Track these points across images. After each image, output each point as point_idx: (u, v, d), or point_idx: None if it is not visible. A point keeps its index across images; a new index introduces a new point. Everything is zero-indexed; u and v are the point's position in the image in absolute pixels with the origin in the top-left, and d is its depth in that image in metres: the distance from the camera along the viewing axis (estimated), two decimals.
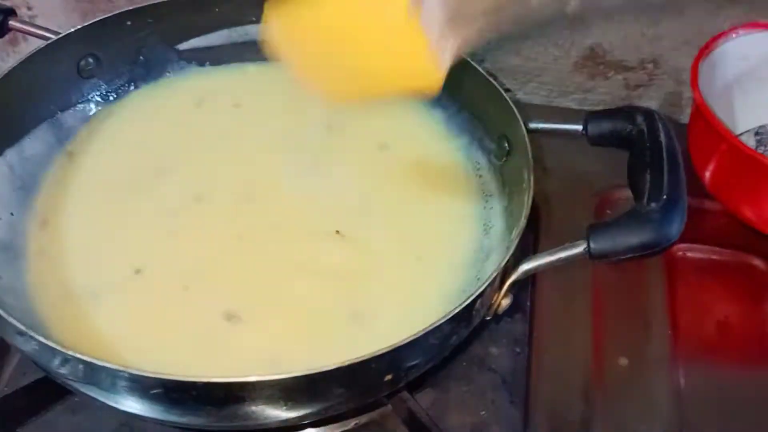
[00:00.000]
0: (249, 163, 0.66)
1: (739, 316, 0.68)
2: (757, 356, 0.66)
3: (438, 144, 0.69)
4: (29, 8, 0.93)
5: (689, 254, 0.72)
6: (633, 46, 0.80)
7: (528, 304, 0.65)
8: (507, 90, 0.87)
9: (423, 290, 0.58)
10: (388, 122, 0.70)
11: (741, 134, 0.77)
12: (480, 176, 0.67)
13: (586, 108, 0.87)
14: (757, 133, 0.78)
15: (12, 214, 0.61)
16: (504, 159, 0.64)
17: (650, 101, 0.85)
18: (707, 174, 0.72)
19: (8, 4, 0.89)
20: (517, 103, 0.71)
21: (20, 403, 0.58)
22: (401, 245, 0.61)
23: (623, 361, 0.64)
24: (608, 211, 0.74)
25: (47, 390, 0.57)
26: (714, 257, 0.72)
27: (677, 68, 0.81)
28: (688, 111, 0.84)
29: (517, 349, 0.63)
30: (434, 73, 0.44)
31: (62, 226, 0.62)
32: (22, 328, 0.46)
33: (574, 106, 0.87)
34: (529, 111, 0.77)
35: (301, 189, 0.64)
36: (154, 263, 0.59)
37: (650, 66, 0.82)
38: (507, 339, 0.63)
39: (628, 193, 0.55)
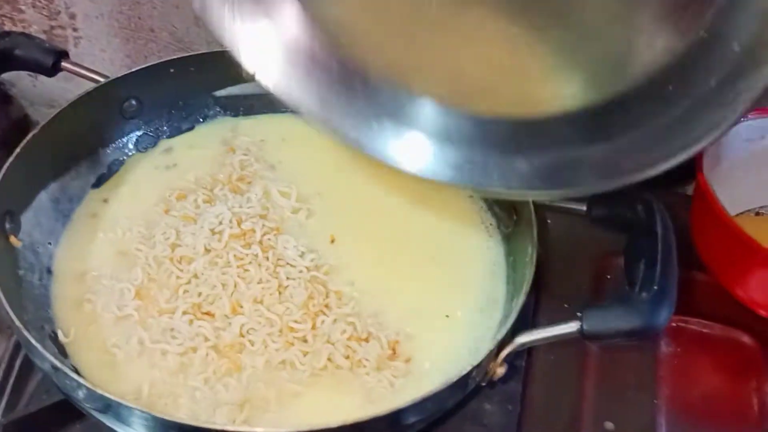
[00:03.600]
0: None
1: (724, 390, 0.72)
2: (739, 430, 0.70)
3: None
4: (75, 29, 0.98)
5: (680, 325, 0.75)
6: None
7: (523, 364, 0.69)
8: None
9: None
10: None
11: (742, 213, 0.81)
12: (488, 240, 0.71)
13: None
14: (757, 213, 0.81)
15: (50, 243, 0.66)
16: (511, 228, 0.68)
17: None
18: (704, 248, 0.76)
19: (58, 33, 0.96)
20: None
21: (42, 422, 0.61)
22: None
23: (609, 425, 0.67)
24: (608, 276, 0.77)
25: (68, 410, 0.61)
26: (704, 330, 0.75)
27: None
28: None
29: (510, 407, 0.67)
30: None
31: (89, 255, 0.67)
32: (57, 363, 0.51)
33: None
34: None
35: None
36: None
37: None
38: (500, 396, 0.67)
39: None
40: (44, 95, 1.06)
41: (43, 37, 0.98)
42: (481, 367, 0.55)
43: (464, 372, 0.53)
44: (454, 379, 0.53)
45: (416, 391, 0.53)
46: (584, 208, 0.64)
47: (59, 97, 1.01)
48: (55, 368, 0.51)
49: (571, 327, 0.56)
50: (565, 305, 0.73)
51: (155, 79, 0.72)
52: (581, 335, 0.55)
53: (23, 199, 0.64)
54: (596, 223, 0.64)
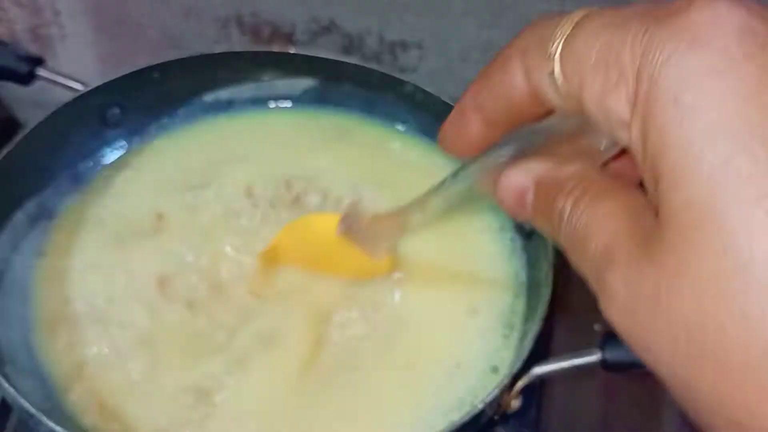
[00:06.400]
0: None
1: None
2: None
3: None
4: (60, 27, 0.93)
5: None
6: None
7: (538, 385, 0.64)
8: None
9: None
10: None
11: None
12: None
13: None
14: None
15: None
16: (525, 241, 0.63)
17: None
18: None
19: (44, 31, 0.92)
20: None
21: None
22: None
23: None
24: None
25: None
26: None
27: None
28: None
29: (525, 430, 0.63)
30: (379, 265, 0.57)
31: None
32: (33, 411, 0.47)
33: None
34: None
35: None
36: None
37: None
38: (515, 420, 0.63)
39: None
40: (31, 94, 1.01)
41: (29, 35, 0.93)
42: (494, 402, 0.51)
43: (475, 410, 0.48)
44: (465, 419, 0.48)
45: None
46: None
47: (48, 96, 0.96)
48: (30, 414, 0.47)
49: (591, 356, 0.51)
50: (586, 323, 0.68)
51: (139, 85, 0.67)
52: (603, 366, 0.50)
53: None
54: None
